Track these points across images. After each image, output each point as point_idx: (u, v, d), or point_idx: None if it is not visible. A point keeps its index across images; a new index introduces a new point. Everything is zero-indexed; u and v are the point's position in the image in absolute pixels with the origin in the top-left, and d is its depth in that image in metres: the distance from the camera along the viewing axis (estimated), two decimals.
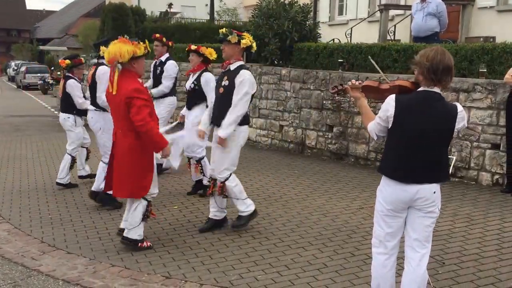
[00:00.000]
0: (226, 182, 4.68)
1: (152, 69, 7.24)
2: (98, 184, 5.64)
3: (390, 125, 2.94)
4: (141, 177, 4.29)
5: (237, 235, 4.76)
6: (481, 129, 6.21)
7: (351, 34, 11.29)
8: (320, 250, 4.39)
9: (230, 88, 4.58)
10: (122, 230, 4.52)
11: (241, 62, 4.73)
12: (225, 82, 4.64)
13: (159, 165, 6.83)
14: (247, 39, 4.67)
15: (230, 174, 4.69)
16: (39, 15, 65.20)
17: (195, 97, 5.89)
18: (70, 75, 6.47)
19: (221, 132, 4.58)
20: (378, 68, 3.57)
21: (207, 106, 5.63)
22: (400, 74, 7.11)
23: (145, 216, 4.42)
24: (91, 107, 5.70)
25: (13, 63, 41.32)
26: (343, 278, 3.83)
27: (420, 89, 2.93)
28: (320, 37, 10.31)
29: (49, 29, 56.19)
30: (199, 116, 5.74)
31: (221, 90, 4.66)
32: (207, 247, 4.51)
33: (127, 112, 4.16)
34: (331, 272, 3.94)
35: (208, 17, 19.87)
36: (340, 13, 14.60)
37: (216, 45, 9.43)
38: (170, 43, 7.19)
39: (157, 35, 7.27)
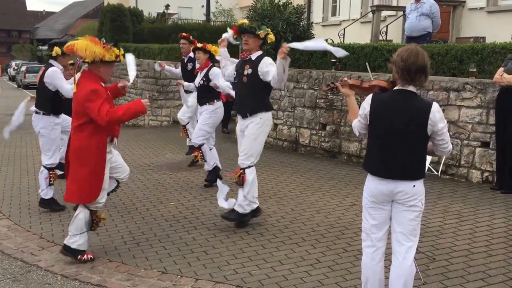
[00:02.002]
0: (246, 170, 4.74)
1: (180, 66, 7.80)
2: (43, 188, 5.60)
3: (368, 123, 3.08)
4: (89, 181, 4.06)
5: (232, 231, 4.84)
6: (471, 128, 6.32)
7: (344, 34, 11.40)
8: (313, 246, 4.47)
9: (254, 76, 4.70)
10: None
11: (261, 52, 4.84)
12: (247, 71, 4.74)
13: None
14: (271, 35, 4.83)
15: (253, 164, 4.76)
16: (39, 16, 65.21)
17: (204, 92, 6.19)
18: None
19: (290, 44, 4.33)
20: (371, 74, 3.74)
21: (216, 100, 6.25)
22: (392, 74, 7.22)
23: (90, 226, 4.22)
24: (33, 109, 5.68)
25: (13, 63, 41.35)
26: (336, 274, 3.91)
27: (396, 87, 3.04)
28: (314, 37, 10.41)
29: (49, 30, 56.32)
30: (212, 115, 6.22)
31: (245, 79, 4.75)
32: (202, 243, 4.59)
33: (82, 111, 4.04)
34: (324, 268, 4.02)
35: (204, 18, 19.94)
36: (333, 14, 14.71)
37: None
38: (195, 42, 7.46)
39: (184, 34, 7.80)
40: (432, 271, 3.89)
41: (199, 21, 19.63)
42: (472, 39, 8.87)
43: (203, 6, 21.18)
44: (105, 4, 24.05)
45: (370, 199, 3.12)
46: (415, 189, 3.01)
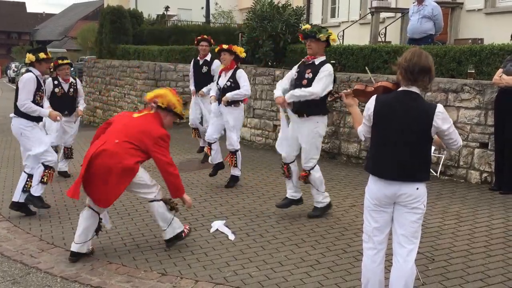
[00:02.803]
0: (311, 171, 5.07)
1: (193, 68, 7.89)
2: (18, 195, 5.51)
3: (372, 124, 3.10)
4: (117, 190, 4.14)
5: (232, 233, 4.85)
6: (470, 129, 6.33)
7: (343, 36, 11.42)
8: (313, 247, 4.48)
9: (313, 81, 4.88)
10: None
11: (324, 57, 5.03)
12: (308, 75, 4.92)
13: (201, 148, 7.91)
14: (334, 36, 5.02)
15: (315, 165, 5.07)
16: (39, 18, 65.25)
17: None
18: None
19: (287, 96, 4.88)
20: (371, 75, 3.84)
21: (241, 102, 6.40)
22: (390, 75, 7.24)
23: (173, 208, 4.45)
24: (12, 115, 5.57)
25: (13, 65, 41.44)
26: (335, 275, 3.92)
27: (399, 89, 3.08)
28: None
29: (48, 32, 56.40)
30: (239, 117, 6.42)
31: (305, 81, 4.91)
32: (202, 244, 4.60)
33: (139, 140, 4.14)
34: (324, 269, 4.02)
35: (204, 20, 19.99)
36: (333, 15, 14.74)
37: (211, 47, 9.46)
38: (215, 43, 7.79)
39: (205, 36, 8.01)
40: (432, 271, 3.90)
41: (199, 23, 19.68)
42: (470, 41, 8.88)
43: (202, 7, 21.25)
44: (105, 6, 24.08)
45: (372, 202, 3.12)
46: (418, 192, 3.01)
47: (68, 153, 7.34)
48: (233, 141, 6.40)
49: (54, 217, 5.46)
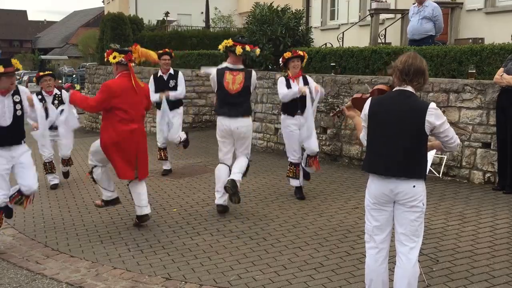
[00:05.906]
0: None
1: (154, 84, 7.17)
2: None
3: (368, 123, 3.17)
4: None
5: (235, 237, 4.86)
6: (472, 129, 6.33)
7: (342, 38, 11.44)
8: (316, 249, 4.48)
9: None
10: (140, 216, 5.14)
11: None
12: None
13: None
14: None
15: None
16: (41, 26, 65.64)
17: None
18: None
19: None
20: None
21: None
22: (391, 76, 7.24)
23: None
24: None
25: None
26: (339, 277, 3.92)
27: (394, 89, 3.15)
28: (313, 41, 10.49)
29: (50, 39, 56.84)
30: None
31: None
32: (206, 248, 4.61)
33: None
34: (328, 271, 4.03)
35: (203, 25, 20.07)
36: (332, 18, 14.75)
37: (212, 52, 9.52)
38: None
39: (166, 49, 7.57)
40: (436, 273, 3.90)
41: (199, 28, 19.74)
42: (470, 40, 8.89)
43: (202, 12, 21.34)
44: (106, 13, 24.18)
45: (371, 201, 3.16)
46: (415, 190, 3.04)
47: (67, 162, 7.27)
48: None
49: (59, 223, 5.48)
